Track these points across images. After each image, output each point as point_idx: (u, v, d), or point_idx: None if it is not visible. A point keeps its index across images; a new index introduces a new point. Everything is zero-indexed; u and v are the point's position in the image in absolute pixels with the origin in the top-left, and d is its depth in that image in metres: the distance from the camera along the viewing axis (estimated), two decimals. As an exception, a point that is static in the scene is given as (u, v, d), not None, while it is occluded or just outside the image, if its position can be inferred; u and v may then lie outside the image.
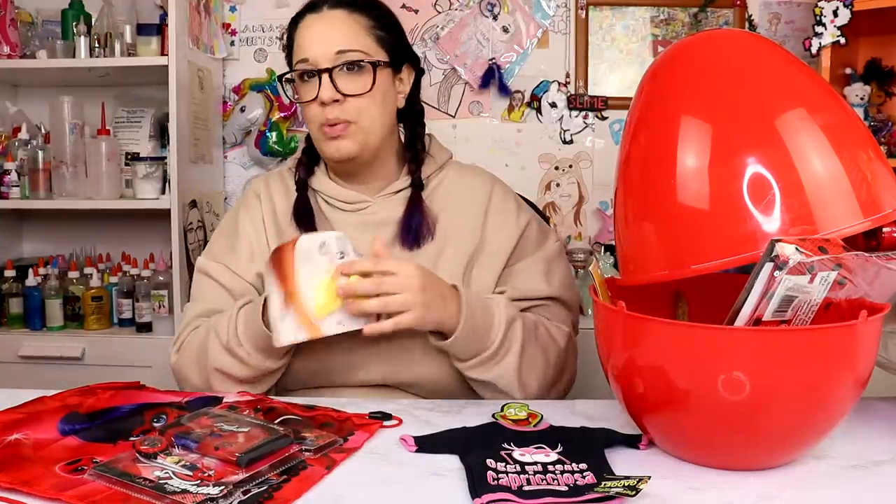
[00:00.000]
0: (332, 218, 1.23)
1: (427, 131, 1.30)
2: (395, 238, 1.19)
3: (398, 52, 1.21)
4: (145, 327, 2.28)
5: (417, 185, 1.22)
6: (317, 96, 1.14)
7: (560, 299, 1.22)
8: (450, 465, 0.86)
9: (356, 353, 1.14)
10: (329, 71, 1.13)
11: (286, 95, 1.24)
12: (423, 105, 1.30)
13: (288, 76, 1.21)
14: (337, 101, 1.14)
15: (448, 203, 1.24)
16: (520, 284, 1.20)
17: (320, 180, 1.26)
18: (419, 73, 1.27)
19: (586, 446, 0.89)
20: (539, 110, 2.54)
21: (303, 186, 1.24)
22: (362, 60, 1.14)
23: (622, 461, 0.87)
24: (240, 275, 1.22)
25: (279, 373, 1.15)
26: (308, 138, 1.26)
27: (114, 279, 2.36)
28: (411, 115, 1.27)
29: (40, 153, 2.30)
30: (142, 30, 2.28)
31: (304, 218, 1.22)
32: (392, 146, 1.24)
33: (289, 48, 1.22)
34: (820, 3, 2.10)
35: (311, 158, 1.28)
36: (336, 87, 1.13)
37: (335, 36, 1.15)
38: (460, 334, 1.07)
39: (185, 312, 1.26)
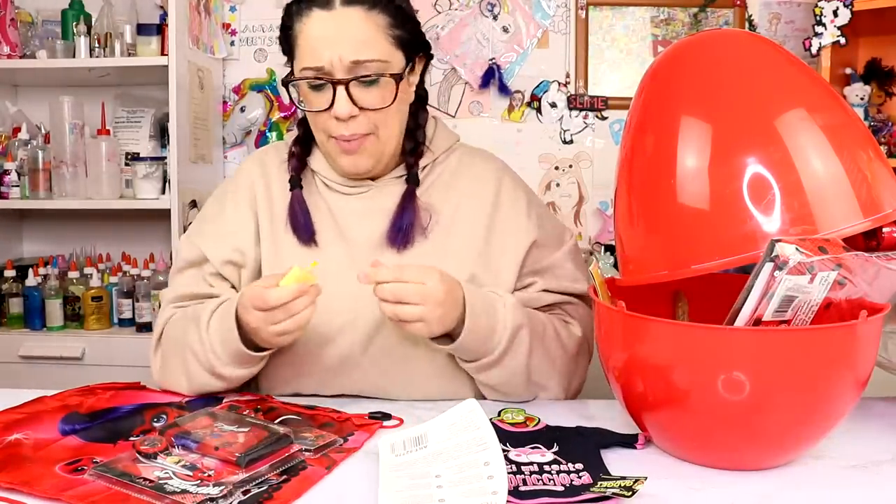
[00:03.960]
0: (330, 201, 1.13)
1: (431, 115, 1.20)
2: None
3: (414, 45, 1.10)
4: (145, 327, 2.28)
5: (413, 182, 1.12)
6: (330, 107, 1.03)
7: (586, 296, 1.18)
8: (450, 465, 0.86)
9: (349, 364, 1.09)
10: (345, 84, 1.02)
11: (289, 98, 1.09)
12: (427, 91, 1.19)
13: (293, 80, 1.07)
14: (354, 116, 1.03)
15: (453, 192, 1.15)
16: (558, 281, 1.16)
17: (319, 160, 1.15)
18: (429, 58, 1.16)
19: (582, 446, 0.89)
20: (539, 110, 2.54)
21: (296, 185, 1.13)
22: (383, 74, 1.03)
23: (621, 461, 0.87)
24: (209, 258, 1.12)
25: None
26: (301, 124, 1.16)
27: (114, 279, 2.36)
28: (415, 99, 1.15)
29: (40, 153, 2.30)
30: (142, 30, 2.28)
31: (303, 228, 1.11)
32: (400, 136, 1.13)
33: (287, 40, 1.08)
34: (820, 3, 2.10)
35: (305, 145, 1.16)
36: (353, 100, 1.02)
37: (351, 42, 1.02)
38: (463, 339, 1.01)
39: (161, 297, 1.17)
